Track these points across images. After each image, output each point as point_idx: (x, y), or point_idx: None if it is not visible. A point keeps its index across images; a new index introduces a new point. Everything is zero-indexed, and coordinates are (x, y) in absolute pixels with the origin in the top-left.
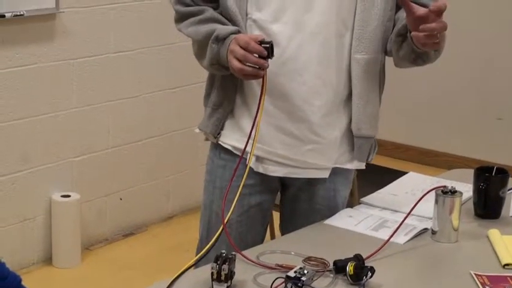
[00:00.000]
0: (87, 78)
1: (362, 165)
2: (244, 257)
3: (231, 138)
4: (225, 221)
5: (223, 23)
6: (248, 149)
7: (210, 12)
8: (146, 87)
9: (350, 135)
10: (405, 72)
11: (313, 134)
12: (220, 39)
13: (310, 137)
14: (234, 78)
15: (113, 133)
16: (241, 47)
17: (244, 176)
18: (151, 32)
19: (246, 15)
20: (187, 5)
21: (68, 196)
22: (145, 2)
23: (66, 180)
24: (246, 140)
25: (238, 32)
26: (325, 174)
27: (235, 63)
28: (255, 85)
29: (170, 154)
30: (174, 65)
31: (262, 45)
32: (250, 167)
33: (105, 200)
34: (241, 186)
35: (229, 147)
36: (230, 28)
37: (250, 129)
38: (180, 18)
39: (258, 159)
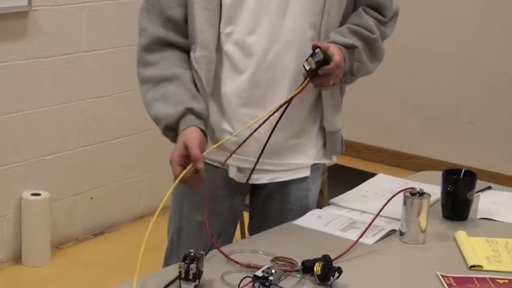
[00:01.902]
0: (59, 77)
1: (334, 158)
2: (233, 260)
3: (212, 153)
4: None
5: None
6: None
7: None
8: (118, 86)
9: (323, 131)
10: (376, 75)
11: (294, 138)
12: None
13: (291, 142)
14: (206, 86)
15: (84, 132)
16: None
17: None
18: (123, 31)
19: (219, 30)
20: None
21: (38, 195)
22: (118, 1)
23: (36, 178)
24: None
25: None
26: (307, 173)
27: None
28: (231, 96)
29: (141, 153)
30: None
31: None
32: (230, 178)
33: (75, 199)
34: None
35: (214, 163)
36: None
37: (231, 144)
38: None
39: (240, 169)
